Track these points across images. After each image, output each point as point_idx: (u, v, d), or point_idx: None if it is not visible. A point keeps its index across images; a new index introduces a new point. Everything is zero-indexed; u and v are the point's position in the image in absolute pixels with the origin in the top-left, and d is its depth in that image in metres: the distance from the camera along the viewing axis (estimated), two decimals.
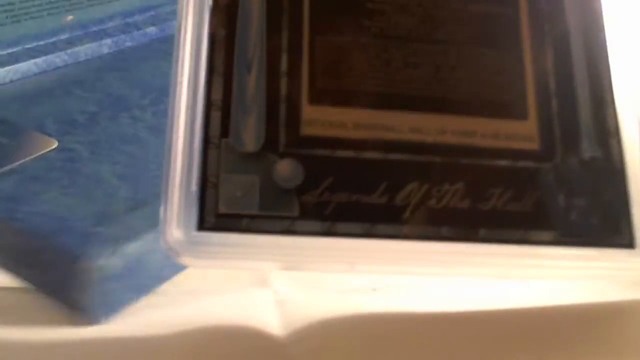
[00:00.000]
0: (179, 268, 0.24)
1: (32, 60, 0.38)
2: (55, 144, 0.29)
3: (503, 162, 0.23)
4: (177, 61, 0.22)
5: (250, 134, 0.22)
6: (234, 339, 0.22)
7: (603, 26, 0.25)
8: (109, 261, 0.22)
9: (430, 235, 0.22)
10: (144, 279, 0.24)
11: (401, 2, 0.24)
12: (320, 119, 0.22)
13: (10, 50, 0.38)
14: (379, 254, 0.21)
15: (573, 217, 0.23)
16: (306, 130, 0.22)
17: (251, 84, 0.22)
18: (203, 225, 0.20)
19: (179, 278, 0.25)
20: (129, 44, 0.43)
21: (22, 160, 0.28)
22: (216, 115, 0.22)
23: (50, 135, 0.30)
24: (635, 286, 0.24)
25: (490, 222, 0.22)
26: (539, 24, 0.25)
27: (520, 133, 0.24)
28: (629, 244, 0.23)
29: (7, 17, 0.38)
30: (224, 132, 0.22)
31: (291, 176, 0.22)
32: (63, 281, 0.23)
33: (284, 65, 0.23)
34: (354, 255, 0.21)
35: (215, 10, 0.23)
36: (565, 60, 0.24)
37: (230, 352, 0.22)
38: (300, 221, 0.21)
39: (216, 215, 0.21)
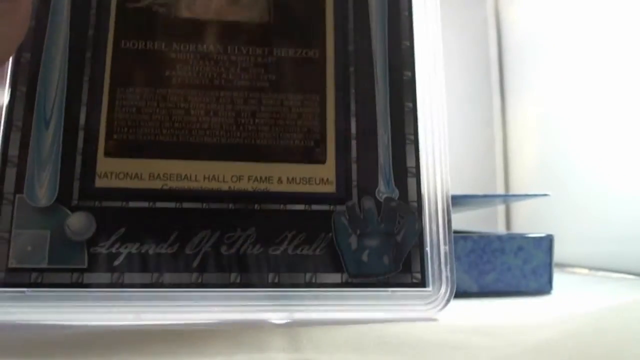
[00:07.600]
0: None
1: None
2: None
3: (298, 207, 0.24)
4: None
5: (44, 189, 0.23)
6: None
7: (412, 65, 0.25)
8: None
9: (218, 283, 0.23)
10: None
11: (204, 51, 0.25)
12: (115, 171, 0.23)
13: None
14: (165, 303, 0.22)
15: (364, 258, 0.23)
16: (100, 183, 0.23)
17: (48, 139, 0.23)
18: None
19: None
20: None
21: None
22: (11, 172, 0.23)
23: None
24: None
25: (279, 267, 0.23)
26: (345, 67, 0.25)
27: (318, 176, 0.24)
28: (421, 284, 0.23)
29: None
30: (19, 188, 0.22)
31: (82, 229, 0.22)
32: None
33: (82, 119, 0.23)
34: (140, 305, 0.22)
35: (16, 67, 0.24)
36: (367, 103, 0.25)
37: None
38: (88, 274, 0.22)
39: (6, 270, 0.22)
